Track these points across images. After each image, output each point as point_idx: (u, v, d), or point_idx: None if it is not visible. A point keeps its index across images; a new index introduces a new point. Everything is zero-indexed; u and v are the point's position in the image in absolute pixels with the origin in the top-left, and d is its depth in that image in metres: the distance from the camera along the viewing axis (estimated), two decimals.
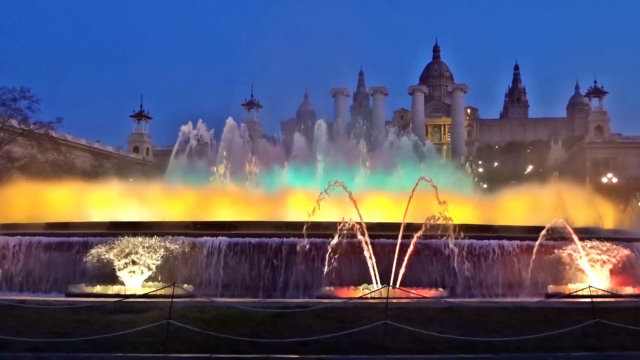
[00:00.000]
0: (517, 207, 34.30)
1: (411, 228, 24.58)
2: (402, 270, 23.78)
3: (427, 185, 25.46)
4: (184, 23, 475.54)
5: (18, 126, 72.19)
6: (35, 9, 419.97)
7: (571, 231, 25.52)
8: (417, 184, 25.53)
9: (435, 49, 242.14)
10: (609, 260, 25.13)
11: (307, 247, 24.76)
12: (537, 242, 25.39)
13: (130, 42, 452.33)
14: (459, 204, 30.48)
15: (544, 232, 25.47)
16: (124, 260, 23.61)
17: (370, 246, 24.11)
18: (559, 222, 26.14)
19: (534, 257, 25.37)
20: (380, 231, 25.78)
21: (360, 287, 23.59)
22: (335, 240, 23.95)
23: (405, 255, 23.96)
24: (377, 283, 23.64)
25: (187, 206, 32.07)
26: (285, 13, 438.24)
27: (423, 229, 24.11)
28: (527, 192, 38.21)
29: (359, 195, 26.84)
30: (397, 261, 23.97)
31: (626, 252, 25.66)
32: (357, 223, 24.12)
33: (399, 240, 24.38)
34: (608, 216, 35.61)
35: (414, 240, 24.14)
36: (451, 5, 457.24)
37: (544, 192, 37.02)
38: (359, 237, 24.04)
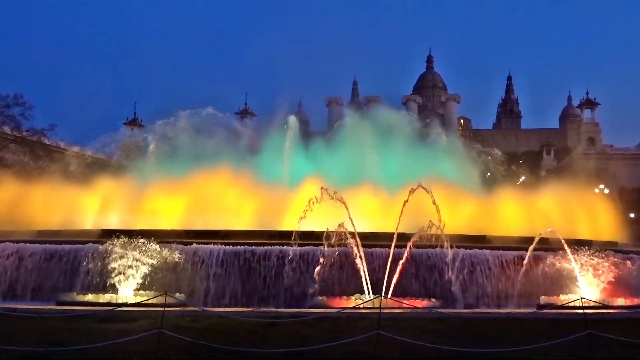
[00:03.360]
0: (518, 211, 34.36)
1: (404, 238, 24.60)
2: (394, 280, 23.77)
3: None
4: (178, 32, 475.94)
5: (11, 133, 71.90)
6: (30, 14, 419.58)
7: (563, 242, 25.60)
8: (410, 194, 25.47)
9: (429, 59, 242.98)
10: (601, 272, 25.21)
11: (300, 256, 24.75)
12: (528, 253, 25.50)
13: (124, 49, 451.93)
14: (462, 202, 30.54)
15: (534, 242, 25.56)
16: (118, 268, 23.53)
17: (362, 256, 24.10)
18: (550, 232, 26.24)
19: (526, 267, 25.45)
20: (373, 240, 25.79)
21: (353, 297, 23.56)
22: (327, 250, 23.95)
23: (397, 265, 23.96)
24: (369, 293, 23.61)
25: None
26: (280, 22, 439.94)
27: (415, 238, 24.15)
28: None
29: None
30: (389, 271, 23.97)
31: (618, 264, 25.75)
32: (350, 233, 24.13)
33: (392, 250, 24.36)
34: (603, 227, 35.73)
35: (407, 250, 24.14)
36: (445, 16, 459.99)
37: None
38: (352, 247, 24.05)
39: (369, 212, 29.54)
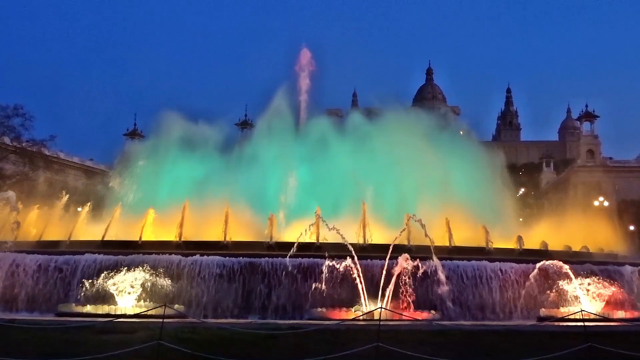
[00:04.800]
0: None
1: (403, 250, 24.57)
2: (390, 292, 23.70)
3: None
4: (178, 42, 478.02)
5: (11, 143, 71.96)
6: (30, 24, 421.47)
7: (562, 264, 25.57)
8: (404, 229, 25.56)
9: (429, 72, 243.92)
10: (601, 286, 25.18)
11: (299, 268, 24.70)
12: (531, 265, 25.46)
13: (124, 59, 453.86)
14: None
15: (535, 255, 25.57)
16: (117, 279, 23.50)
17: (360, 268, 24.04)
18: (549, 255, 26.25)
19: (526, 280, 25.39)
20: (371, 252, 25.75)
21: (352, 309, 23.49)
22: (326, 262, 23.92)
23: (394, 277, 23.88)
24: (366, 305, 23.56)
25: None
26: (279, 33, 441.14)
27: (413, 251, 24.16)
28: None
29: None
30: (387, 283, 23.90)
31: (617, 277, 25.74)
32: (345, 244, 24.17)
33: (387, 262, 24.30)
34: (603, 240, 35.69)
35: (401, 262, 24.06)
36: (445, 29, 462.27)
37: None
38: (348, 259, 24.01)
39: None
